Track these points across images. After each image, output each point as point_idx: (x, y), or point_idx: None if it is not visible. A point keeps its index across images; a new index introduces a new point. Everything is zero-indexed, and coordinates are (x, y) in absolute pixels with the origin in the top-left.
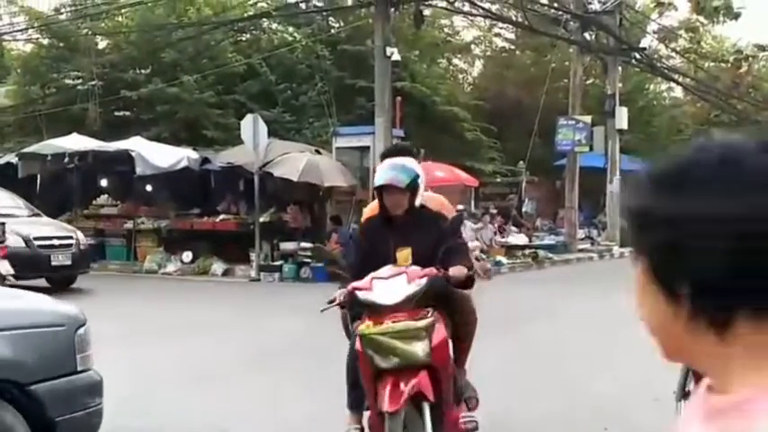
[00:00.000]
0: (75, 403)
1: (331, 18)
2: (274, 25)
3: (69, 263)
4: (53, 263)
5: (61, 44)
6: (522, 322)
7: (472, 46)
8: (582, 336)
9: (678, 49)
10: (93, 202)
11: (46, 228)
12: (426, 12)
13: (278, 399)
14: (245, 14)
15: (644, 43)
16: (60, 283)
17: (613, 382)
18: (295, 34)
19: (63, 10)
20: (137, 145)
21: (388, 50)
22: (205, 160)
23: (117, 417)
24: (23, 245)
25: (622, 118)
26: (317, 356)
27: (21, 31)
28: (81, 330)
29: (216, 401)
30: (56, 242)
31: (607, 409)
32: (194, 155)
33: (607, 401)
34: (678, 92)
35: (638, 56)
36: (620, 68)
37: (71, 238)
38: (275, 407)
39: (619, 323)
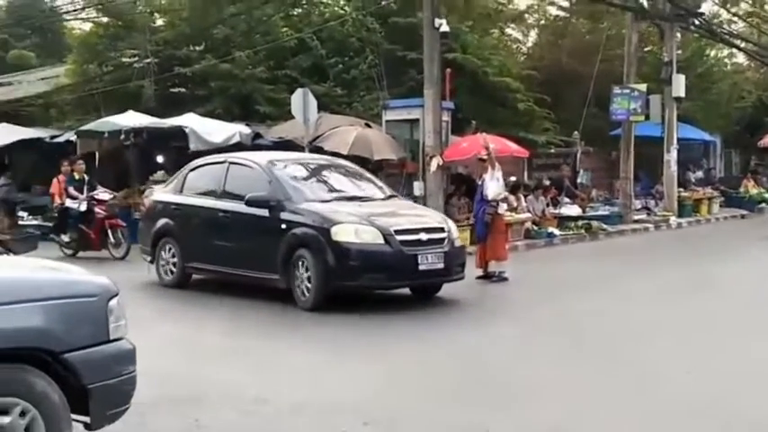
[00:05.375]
0: (108, 371)
1: None
2: None
3: (441, 266)
4: (420, 266)
5: (118, 23)
6: (570, 293)
7: (526, 15)
8: (630, 309)
9: (740, 13)
10: (150, 177)
11: (409, 217)
12: None
13: (312, 366)
14: None
15: (703, 8)
16: (423, 291)
17: (658, 354)
18: (346, 7)
19: None
20: (190, 121)
21: (437, 21)
22: (257, 135)
23: (152, 388)
24: (381, 241)
25: (679, 85)
26: (346, 324)
27: (80, 10)
28: (113, 301)
29: (251, 371)
30: (423, 236)
31: (646, 378)
32: (246, 130)
33: (647, 372)
34: (740, 58)
35: (696, 21)
36: (678, 35)
37: (442, 230)
38: (310, 374)
39: (671, 295)
